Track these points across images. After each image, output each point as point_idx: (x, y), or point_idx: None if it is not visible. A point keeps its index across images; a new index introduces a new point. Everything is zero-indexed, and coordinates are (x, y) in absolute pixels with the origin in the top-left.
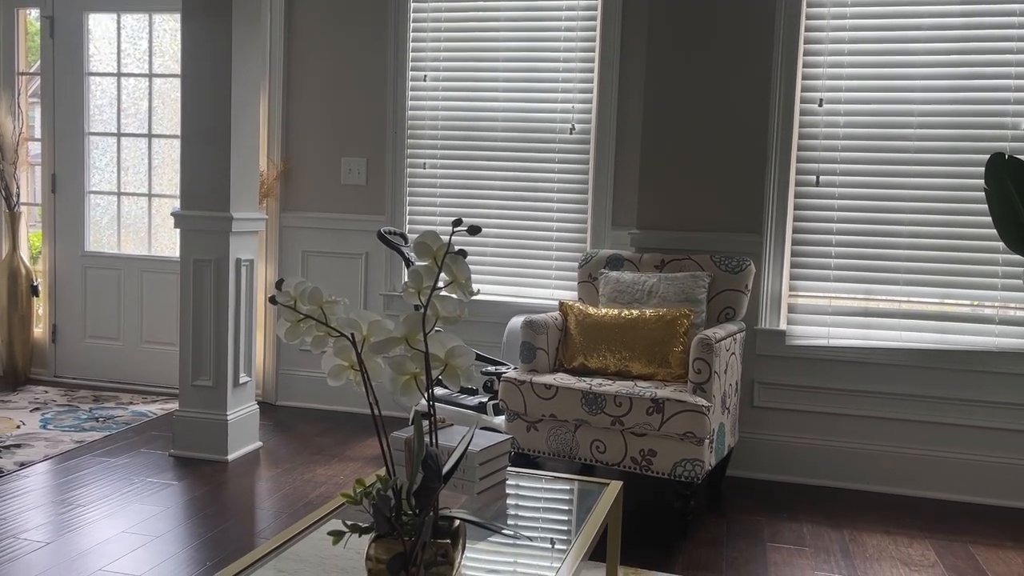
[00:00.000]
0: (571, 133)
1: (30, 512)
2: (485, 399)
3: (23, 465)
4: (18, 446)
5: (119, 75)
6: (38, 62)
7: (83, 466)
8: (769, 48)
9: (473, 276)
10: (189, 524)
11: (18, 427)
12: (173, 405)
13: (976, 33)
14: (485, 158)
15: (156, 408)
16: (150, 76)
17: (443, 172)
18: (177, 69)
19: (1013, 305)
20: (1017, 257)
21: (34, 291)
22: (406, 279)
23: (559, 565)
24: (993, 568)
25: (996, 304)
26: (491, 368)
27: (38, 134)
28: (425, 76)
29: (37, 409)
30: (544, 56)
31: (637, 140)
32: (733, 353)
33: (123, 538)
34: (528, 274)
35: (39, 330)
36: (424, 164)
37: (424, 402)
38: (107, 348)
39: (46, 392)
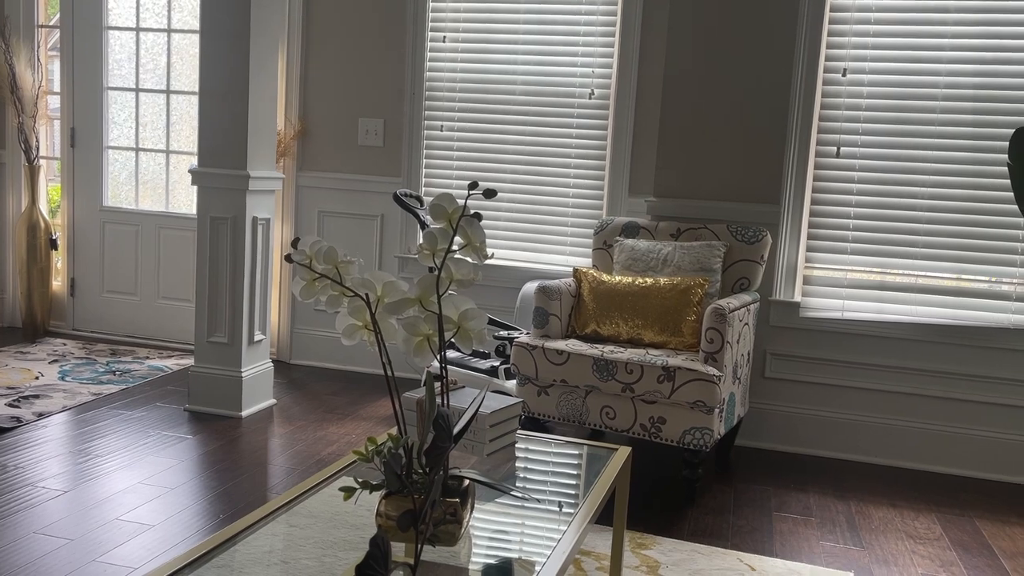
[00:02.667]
0: (590, 98)
1: (48, 461)
2: (497, 363)
3: (42, 415)
4: (37, 396)
5: (138, 30)
6: (57, 15)
7: (100, 418)
8: (794, 15)
9: (488, 240)
10: (203, 477)
11: (37, 378)
12: (189, 361)
13: (1005, 4)
14: (503, 122)
15: (172, 363)
16: (169, 31)
17: (460, 135)
18: (196, 25)
19: None
20: None
21: (53, 244)
22: (421, 241)
23: (565, 527)
24: (998, 543)
25: (1014, 281)
26: (504, 332)
27: (57, 87)
28: (444, 37)
29: (55, 361)
30: (564, 19)
31: (657, 107)
32: (746, 323)
33: (139, 489)
34: (543, 239)
35: (57, 283)
36: (441, 126)
37: (436, 364)
38: (124, 303)
39: (64, 344)
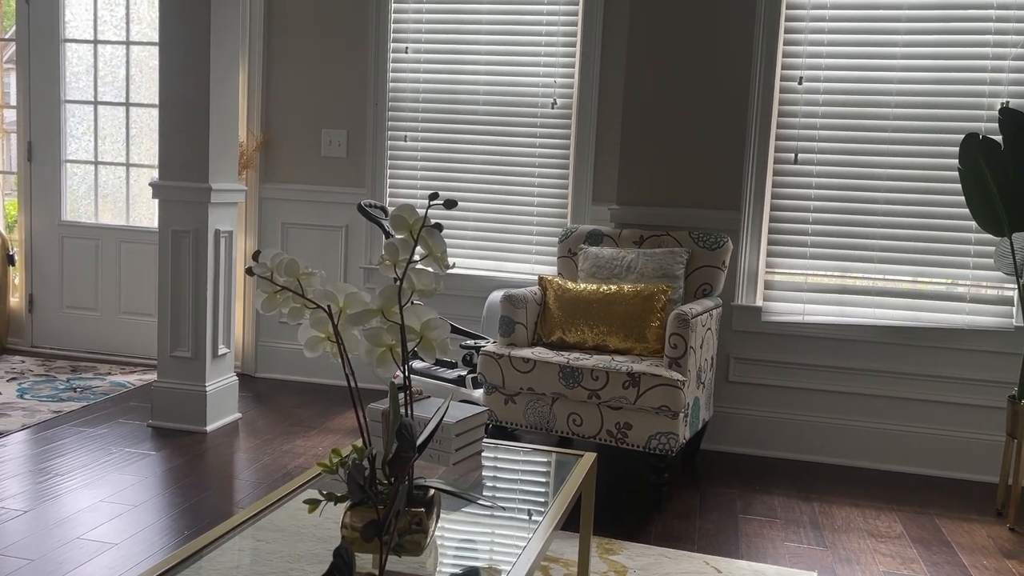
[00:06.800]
0: (553, 107)
1: (8, 481)
2: (464, 372)
3: (0, 434)
4: None
5: (96, 42)
6: (13, 27)
7: (61, 436)
8: (750, 25)
9: (454, 250)
10: (167, 494)
11: None
12: (151, 376)
13: (955, 14)
14: (466, 131)
15: (134, 379)
16: (127, 44)
17: (424, 145)
18: (155, 37)
19: (984, 284)
20: (988, 236)
21: (10, 260)
22: (383, 252)
23: (530, 535)
24: (957, 539)
25: (968, 282)
26: (470, 342)
27: (13, 101)
28: (407, 48)
29: (14, 379)
30: (526, 29)
31: (618, 115)
32: (709, 329)
33: (101, 507)
34: (508, 248)
35: (16, 300)
36: (405, 137)
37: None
38: (85, 318)
39: (23, 362)
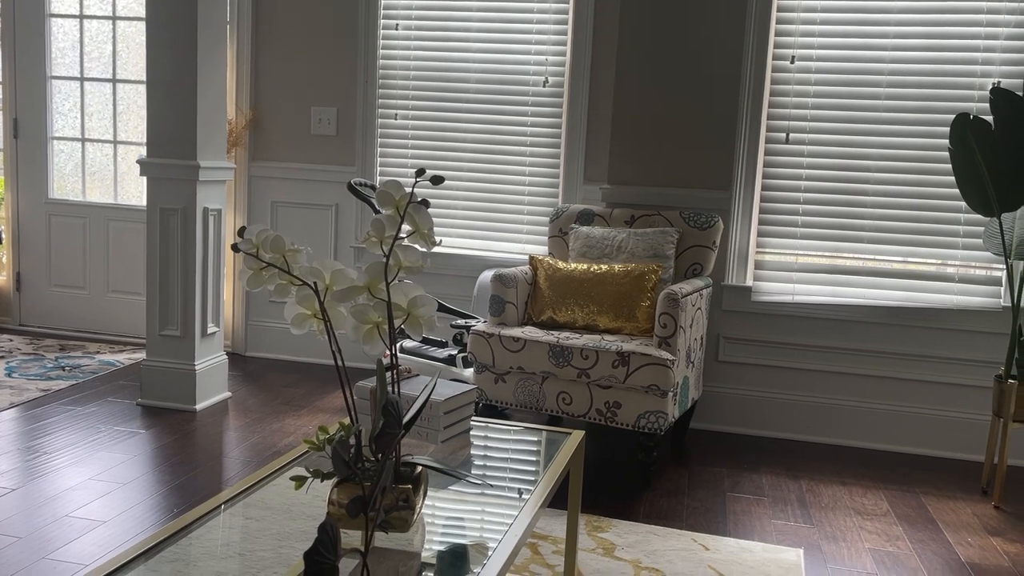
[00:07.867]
0: (544, 86)
1: None
2: (455, 351)
3: None
4: None
5: (81, 17)
6: None
7: (49, 414)
8: (743, 4)
9: (445, 229)
10: (156, 472)
11: None
12: (140, 355)
13: None
14: (457, 110)
15: (123, 358)
16: (114, 19)
17: (414, 123)
18: (142, 12)
19: (973, 264)
20: (978, 217)
21: None
22: (369, 229)
23: (518, 512)
24: (942, 517)
25: (957, 263)
26: (461, 321)
27: None
28: (397, 25)
29: (2, 358)
30: (518, 7)
31: (610, 93)
32: (699, 308)
33: (90, 485)
34: (499, 228)
35: (3, 278)
36: (395, 115)
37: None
38: (73, 297)
39: (11, 341)
